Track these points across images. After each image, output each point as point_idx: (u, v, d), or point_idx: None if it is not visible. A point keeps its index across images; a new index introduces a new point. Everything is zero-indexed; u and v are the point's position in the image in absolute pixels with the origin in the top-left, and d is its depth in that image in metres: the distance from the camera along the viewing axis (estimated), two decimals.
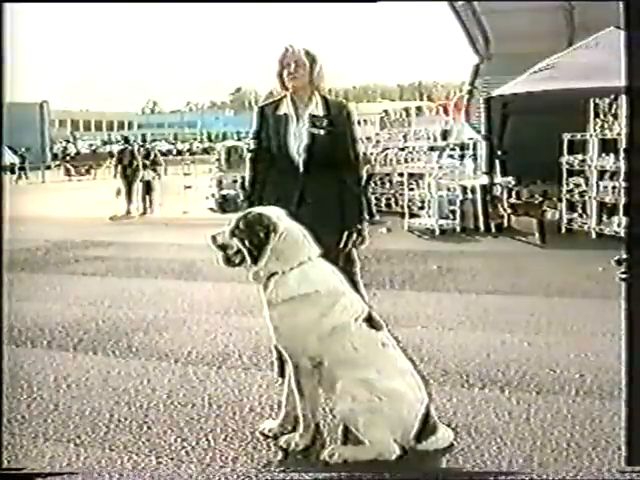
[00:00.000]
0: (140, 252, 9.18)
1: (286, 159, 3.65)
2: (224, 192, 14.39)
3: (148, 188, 14.83)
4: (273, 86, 3.71)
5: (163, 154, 41.85)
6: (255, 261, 3.05)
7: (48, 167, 32.33)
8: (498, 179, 10.72)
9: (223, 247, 3.12)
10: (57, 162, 34.82)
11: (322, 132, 3.59)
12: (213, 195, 14.85)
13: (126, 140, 16.43)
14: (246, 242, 3.05)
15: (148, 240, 10.59)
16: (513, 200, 10.30)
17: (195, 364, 4.39)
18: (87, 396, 3.84)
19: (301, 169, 3.64)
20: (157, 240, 10.58)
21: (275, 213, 3.12)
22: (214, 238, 3.14)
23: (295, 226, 3.10)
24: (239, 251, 3.08)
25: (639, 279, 2.68)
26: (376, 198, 12.71)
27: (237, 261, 3.12)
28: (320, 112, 3.62)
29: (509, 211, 10.26)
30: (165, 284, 7.07)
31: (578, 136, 9.73)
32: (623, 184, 8.41)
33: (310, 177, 3.63)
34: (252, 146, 3.82)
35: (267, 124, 3.69)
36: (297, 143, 3.62)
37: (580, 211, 9.79)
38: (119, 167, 14.76)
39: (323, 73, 3.65)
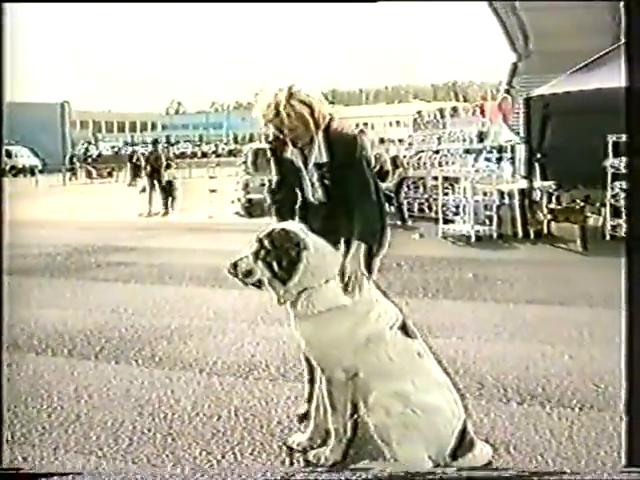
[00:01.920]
0: (164, 258, 9.07)
1: (304, 200, 3.39)
2: (250, 196, 14.23)
3: (170, 189, 15.25)
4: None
5: (188, 156, 41.85)
6: (284, 282, 2.95)
7: (69, 169, 32.17)
8: (537, 183, 10.55)
9: (246, 274, 2.99)
10: (78, 164, 34.53)
11: (329, 182, 3.27)
12: (239, 199, 14.62)
13: (154, 143, 16.91)
14: (274, 264, 2.94)
15: (172, 245, 10.46)
16: (553, 205, 10.10)
17: (221, 374, 4.32)
18: (109, 406, 3.79)
19: (317, 203, 3.35)
20: (181, 246, 10.46)
21: (299, 227, 3.05)
22: (235, 265, 2.99)
23: (319, 239, 3.02)
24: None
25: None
26: (409, 203, 12.60)
27: (256, 283, 3.01)
28: (324, 158, 3.24)
29: (549, 217, 10.03)
30: (190, 291, 6.98)
31: (624, 137, 9.44)
32: None
33: (329, 207, 3.33)
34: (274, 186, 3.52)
35: (282, 164, 3.39)
36: (312, 192, 3.33)
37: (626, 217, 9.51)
38: (147, 169, 15.42)
39: (324, 112, 3.19)
